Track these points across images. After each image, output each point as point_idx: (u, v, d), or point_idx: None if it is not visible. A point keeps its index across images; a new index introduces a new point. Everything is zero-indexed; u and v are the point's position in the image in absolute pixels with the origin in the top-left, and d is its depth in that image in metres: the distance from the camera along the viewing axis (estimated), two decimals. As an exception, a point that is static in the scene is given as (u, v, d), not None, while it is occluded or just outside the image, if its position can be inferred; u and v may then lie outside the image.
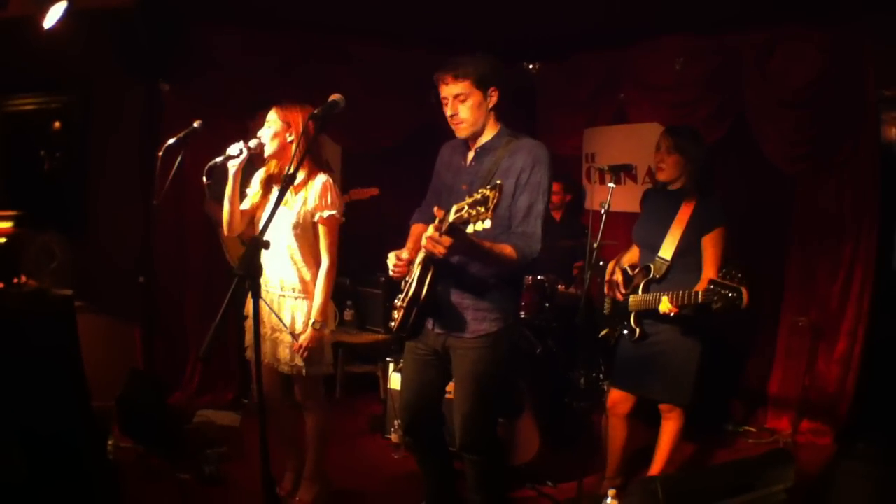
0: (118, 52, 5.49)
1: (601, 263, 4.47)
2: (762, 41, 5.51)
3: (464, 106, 3.34)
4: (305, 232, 3.88)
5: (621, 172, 6.01)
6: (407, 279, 3.47)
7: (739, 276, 3.54)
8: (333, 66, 6.24)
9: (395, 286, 3.67)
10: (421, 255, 3.36)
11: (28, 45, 5.06)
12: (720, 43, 5.77)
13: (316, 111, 3.03)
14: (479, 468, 3.64)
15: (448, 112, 3.39)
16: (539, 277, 5.81)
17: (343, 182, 6.77)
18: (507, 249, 3.20)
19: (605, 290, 4.41)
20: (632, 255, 4.47)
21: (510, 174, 3.30)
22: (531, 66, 7.33)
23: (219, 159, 3.62)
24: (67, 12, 4.68)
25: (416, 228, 3.71)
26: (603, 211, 4.22)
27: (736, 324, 5.97)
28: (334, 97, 3.04)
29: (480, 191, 2.74)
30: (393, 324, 3.53)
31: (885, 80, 5.11)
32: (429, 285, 3.32)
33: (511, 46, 6.71)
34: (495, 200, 2.69)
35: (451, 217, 2.88)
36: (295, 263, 3.90)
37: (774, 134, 5.55)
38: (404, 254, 3.44)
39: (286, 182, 2.94)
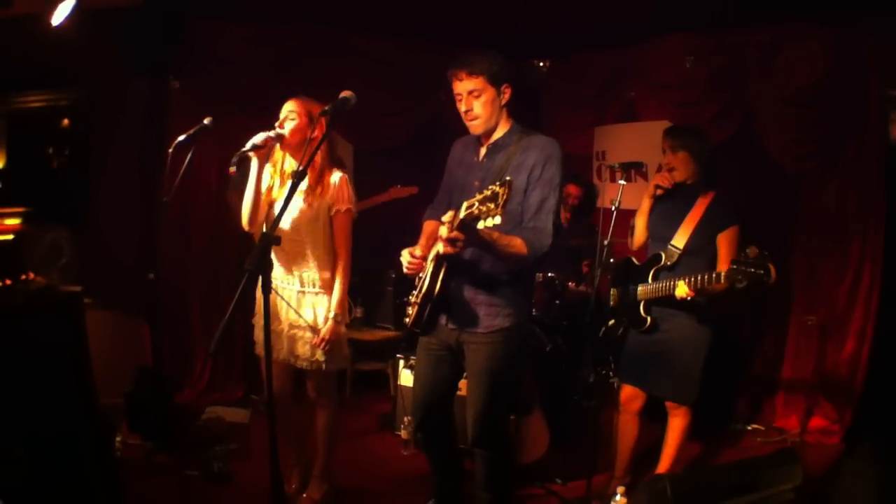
0: (123, 49, 5.50)
1: (611, 261, 4.46)
2: (767, 40, 5.50)
3: (478, 102, 3.36)
4: (324, 227, 3.89)
5: (632, 170, 6.03)
6: (420, 275, 3.48)
7: (766, 253, 3.48)
8: (339, 61, 6.24)
9: (404, 283, 3.67)
10: (434, 252, 3.37)
11: (34, 43, 5.07)
12: (724, 42, 5.75)
13: (327, 108, 3.03)
14: (490, 465, 3.65)
15: (462, 108, 3.41)
16: (550, 275, 5.80)
17: (355, 180, 6.79)
18: (518, 242, 3.22)
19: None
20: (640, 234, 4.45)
21: (522, 170, 3.31)
22: (541, 64, 7.31)
23: (246, 148, 3.60)
24: (75, 9, 4.69)
25: (428, 225, 3.72)
26: (614, 209, 4.21)
27: (744, 323, 5.99)
28: (345, 94, 3.05)
29: (490, 187, 2.75)
30: (407, 319, 3.54)
31: (890, 79, 5.09)
32: (442, 281, 3.34)
33: (516, 43, 6.69)
34: (505, 197, 2.70)
35: (462, 214, 2.90)
36: (315, 259, 3.90)
37: (779, 133, 5.55)
38: (417, 251, 3.45)
39: (297, 178, 2.95)
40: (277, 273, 3.93)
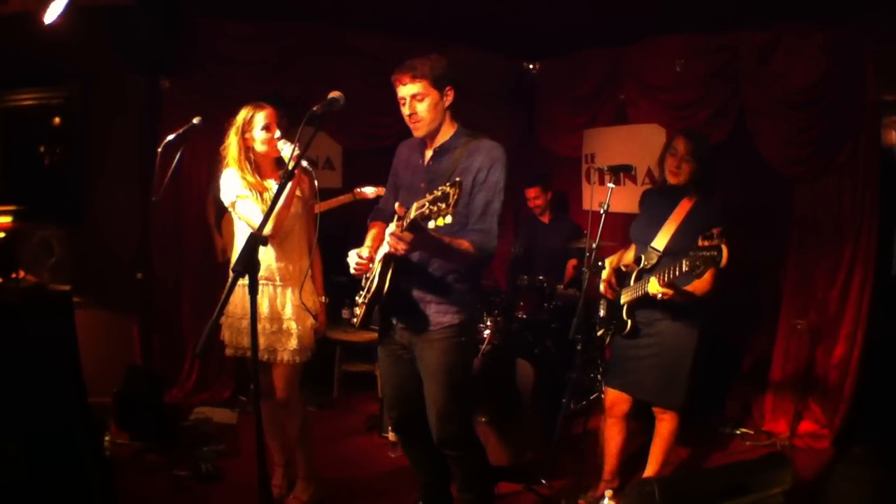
0: (119, 47, 5.50)
1: (600, 263, 4.46)
2: (762, 42, 5.50)
3: (421, 105, 3.40)
4: (293, 221, 3.96)
5: (621, 173, 6.03)
6: (368, 276, 3.52)
7: (716, 232, 3.51)
8: (333, 59, 6.26)
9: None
10: (382, 252, 3.41)
11: (28, 40, 5.07)
12: (721, 42, 5.76)
13: (315, 108, 3.03)
14: (463, 466, 3.66)
15: (406, 111, 3.45)
16: (540, 277, 5.82)
17: (343, 180, 6.78)
18: (465, 244, 3.28)
19: (602, 289, 4.41)
20: (629, 257, 4.47)
21: (468, 173, 3.35)
22: (531, 66, 7.33)
23: (305, 164, 3.60)
24: (67, 8, 4.68)
25: (373, 227, 3.75)
26: (602, 211, 4.21)
27: (735, 326, 5.99)
28: (333, 94, 3.07)
29: (441, 188, 2.78)
30: (355, 320, 3.56)
31: (886, 82, 5.10)
32: (390, 280, 3.36)
33: (512, 41, 6.71)
34: (456, 196, 2.74)
35: (413, 213, 2.92)
36: (282, 252, 3.97)
37: (774, 135, 5.55)
38: (364, 252, 3.48)
39: (287, 178, 2.96)
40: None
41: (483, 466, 3.76)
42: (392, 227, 3.07)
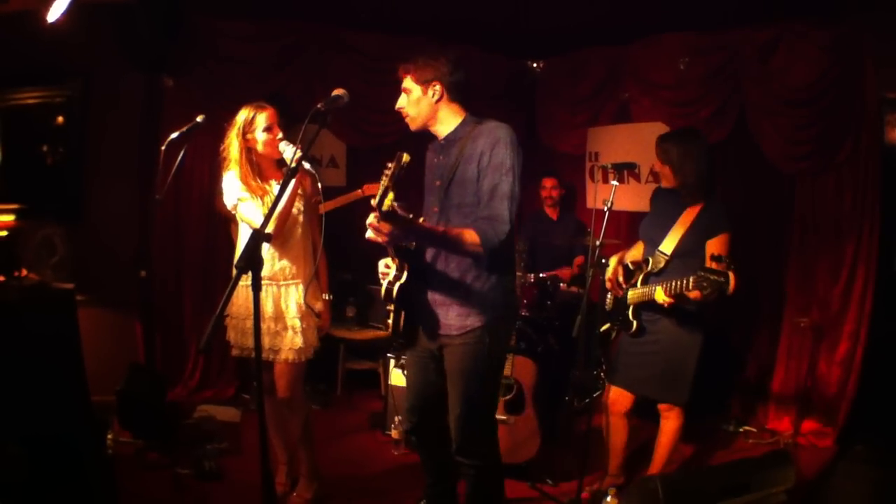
0: (119, 45, 5.50)
1: (603, 261, 4.45)
2: (764, 39, 5.50)
3: (408, 100, 3.42)
4: (297, 219, 3.98)
5: (625, 171, 6.03)
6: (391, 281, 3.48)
7: (727, 260, 3.53)
8: (333, 58, 6.27)
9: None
10: (392, 253, 3.39)
11: (30, 39, 5.07)
12: (722, 40, 5.76)
13: (320, 105, 3.03)
14: (475, 478, 3.54)
15: (397, 105, 3.48)
16: (542, 275, 5.81)
17: (348, 178, 6.78)
18: (467, 233, 3.17)
19: (607, 286, 4.40)
20: (635, 253, 4.47)
21: (472, 160, 3.28)
22: (535, 65, 7.33)
23: (307, 166, 3.59)
24: (70, 6, 4.68)
25: None
26: (606, 209, 4.20)
27: (737, 324, 5.98)
28: (337, 91, 3.08)
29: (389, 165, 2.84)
30: (388, 330, 3.52)
31: (887, 80, 5.10)
32: (404, 281, 3.33)
33: (513, 39, 6.70)
34: (393, 168, 2.81)
35: (376, 199, 2.88)
36: (286, 251, 3.97)
37: (775, 133, 5.55)
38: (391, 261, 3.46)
39: (291, 174, 2.97)
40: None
41: (497, 485, 3.65)
42: (370, 217, 3.00)
